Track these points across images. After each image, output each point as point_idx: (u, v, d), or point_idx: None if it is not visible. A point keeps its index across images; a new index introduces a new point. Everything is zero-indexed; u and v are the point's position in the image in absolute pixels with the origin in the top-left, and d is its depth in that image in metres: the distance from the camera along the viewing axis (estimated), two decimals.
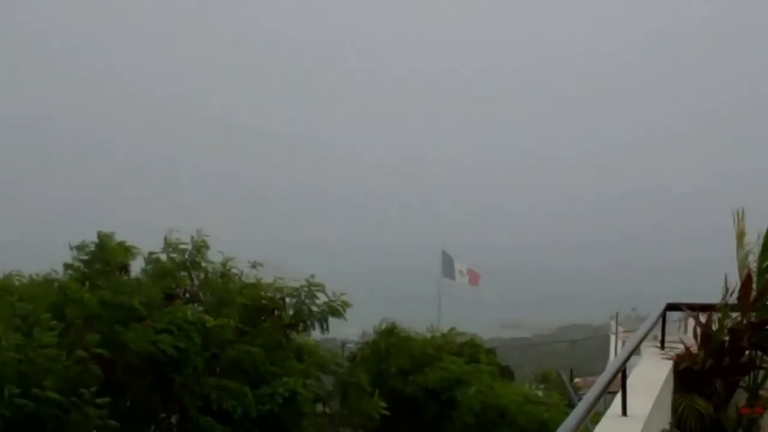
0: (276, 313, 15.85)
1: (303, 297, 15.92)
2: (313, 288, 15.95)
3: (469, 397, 17.26)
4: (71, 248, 15.36)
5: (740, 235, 9.35)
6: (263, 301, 15.77)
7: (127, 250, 15.65)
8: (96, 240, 15.38)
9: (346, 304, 16.05)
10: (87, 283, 14.87)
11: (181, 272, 15.90)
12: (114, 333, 13.90)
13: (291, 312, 15.98)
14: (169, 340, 14.01)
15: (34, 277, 15.55)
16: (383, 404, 16.28)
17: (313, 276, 16.08)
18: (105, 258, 15.24)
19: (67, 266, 15.36)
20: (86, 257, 15.32)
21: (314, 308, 15.94)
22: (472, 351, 19.73)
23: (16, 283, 15.48)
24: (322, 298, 16.00)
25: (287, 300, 16.00)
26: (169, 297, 15.31)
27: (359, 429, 16.84)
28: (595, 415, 5.71)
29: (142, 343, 13.86)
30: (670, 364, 8.64)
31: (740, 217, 9.40)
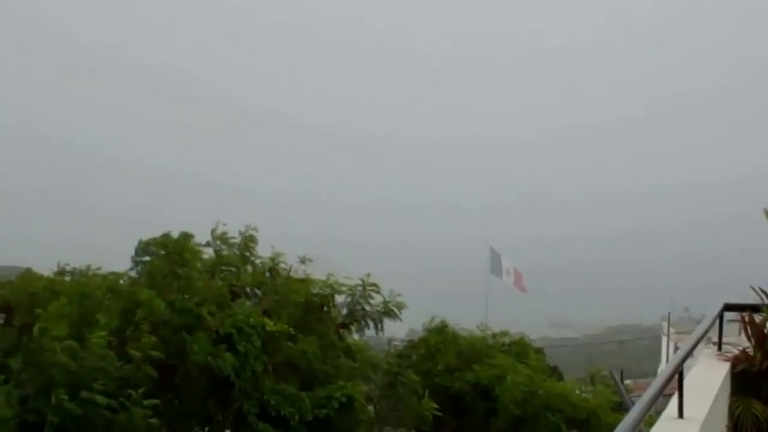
0: (325, 309, 15.76)
1: (358, 296, 15.84)
2: (369, 288, 15.86)
3: (508, 388, 17.16)
4: (143, 242, 15.31)
5: None
6: (314, 298, 15.67)
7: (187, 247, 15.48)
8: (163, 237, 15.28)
9: (401, 305, 15.95)
10: (159, 277, 14.88)
11: (231, 267, 15.84)
12: (179, 341, 13.94)
13: (345, 311, 15.92)
14: (232, 361, 13.94)
15: (104, 274, 15.44)
16: (434, 405, 16.21)
17: (368, 275, 15.98)
18: (174, 258, 15.15)
19: (136, 263, 15.35)
20: (154, 256, 15.27)
21: (369, 308, 15.87)
22: (520, 350, 19.56)
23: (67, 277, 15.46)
24: (377, 299, 15.90)
25: (342, 298, 15.90)
26: (235, 294, 15.30)
27: (410, 429, 16.77)
28: (649, 417, 5.53)
29: (205, 355, 13.85)
30: (727, 365, 8.40)
31: None
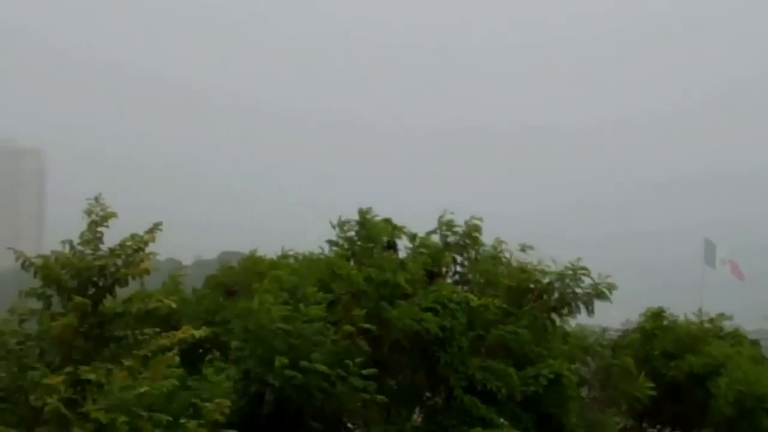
0: (544, 297, 16.02)
1: (568, 280, 15.98)
2: (579, 272, 15.97)
3: (723, 390, 17.17)
4: (333, 226, 15.83)
5: None
6: (530, 285, 15.95)
7: (393, 228, 16.00)
8: (357, 218, 15.80)
9: (612, 287, 15.94)
10: (352, 259, 15.41)
11: (452, 253, 16.21)
12: (379, 309, 14.21)
13: (556, 295, 16.07)
14: (434, 320, 14.18)
15: (303, 256, 16.10)
16: (650, 385, 16.42)
17: (578, 259, 16.11)
18: (368, 235, 15.65)
19: (331, 243, 15.87)
20: (349, 234, 15.76)
21: (579, 291, 15.98)
22: (735, 341, 19.76)
23: (291, 260, 16.14)
24: (587, 282, 15.99)
25: (552, 283, 16.08)
26: (432, 275, 15.58)
27: (624, 411, 17.14)
28: None
29: (407, 320, 14.07)
30: None
31: None
